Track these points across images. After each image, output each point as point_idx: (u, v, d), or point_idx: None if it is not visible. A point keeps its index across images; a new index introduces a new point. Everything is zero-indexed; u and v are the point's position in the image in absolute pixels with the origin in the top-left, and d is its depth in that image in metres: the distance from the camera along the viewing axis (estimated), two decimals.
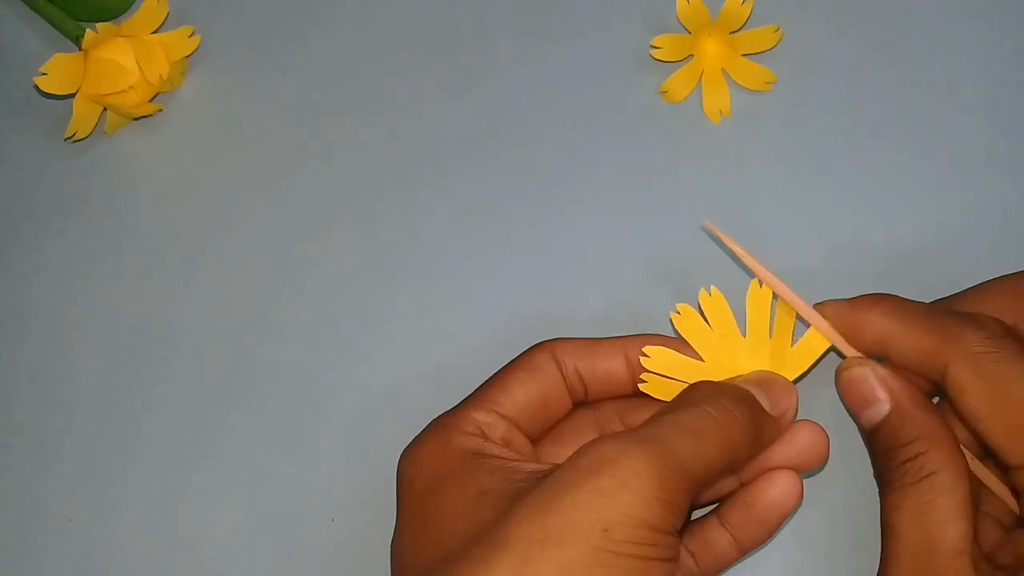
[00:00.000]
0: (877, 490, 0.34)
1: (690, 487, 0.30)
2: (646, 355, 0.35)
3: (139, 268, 0.43)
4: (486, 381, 0.36)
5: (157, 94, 0.45)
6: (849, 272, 0.39)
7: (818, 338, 0.36)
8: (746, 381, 0.34)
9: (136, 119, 0.45)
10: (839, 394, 0.35)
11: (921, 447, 0.32)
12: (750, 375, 0.35)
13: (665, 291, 0.40)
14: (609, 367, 0.36)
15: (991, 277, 0.36)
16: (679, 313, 0.35)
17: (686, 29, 0.42)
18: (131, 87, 0.44)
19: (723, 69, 0.43)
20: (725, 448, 0.31)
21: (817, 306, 0.36)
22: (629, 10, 0.44)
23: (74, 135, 0.44)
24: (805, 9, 0.44)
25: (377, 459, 0.39)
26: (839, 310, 0.35)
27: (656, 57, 0.42)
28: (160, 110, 0.45)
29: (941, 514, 0.31)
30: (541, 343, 0.36)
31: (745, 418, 0.32)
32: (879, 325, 0.34)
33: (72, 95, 0.43)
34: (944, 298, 0.36)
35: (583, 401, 0.36)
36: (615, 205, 0.42)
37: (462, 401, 0.35)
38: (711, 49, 0.43)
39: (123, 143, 0.45)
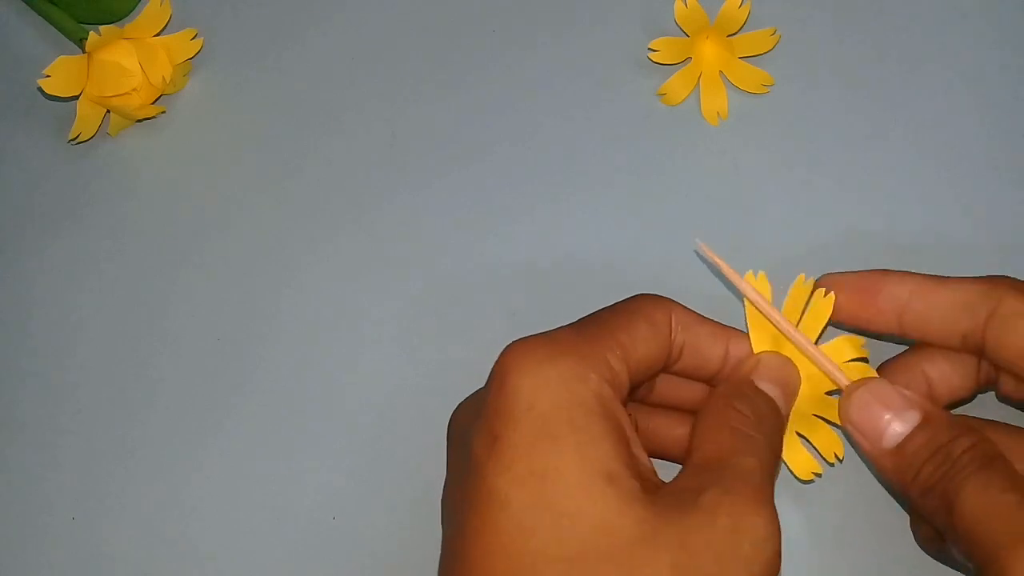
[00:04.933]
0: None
1: None
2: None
3: (141, 269, 0.43)
4: (605, 319, 0.32)
5: (160, 96, 0.45)
6: None
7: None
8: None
9: (139, 121, 0.46)
10: (849, 422, 0.33)
11: (972, 437, 0.31)
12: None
13: (662, 294, 0.40)
14: (710, 352, 0.34)
15: None
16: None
17: (684, 32, 0.43)
18: (134, 89, 0.44)
19: (721, 72, 0.43)
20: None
21: (825, 277, 0.35)
22: (627, 13, 0.45)
23: (77, 137, 0.44)
24: (802, 12, 0.44)
25: (378, 458, 0.39)
26: (850, 280, 0.35)
27: (654, 60, 0.43)
28: (163, 112, 0.45)
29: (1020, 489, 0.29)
30: (659, 297, 0.33)
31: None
32: (905, 284, 0.33)
33: (76, 97, 0.44)
34: None
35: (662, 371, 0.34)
36: (613, 206, 0.42)
37: (585, 330, 0.31)
38: (709, 52, 0.43)
39: (126, 145, 0.45)
